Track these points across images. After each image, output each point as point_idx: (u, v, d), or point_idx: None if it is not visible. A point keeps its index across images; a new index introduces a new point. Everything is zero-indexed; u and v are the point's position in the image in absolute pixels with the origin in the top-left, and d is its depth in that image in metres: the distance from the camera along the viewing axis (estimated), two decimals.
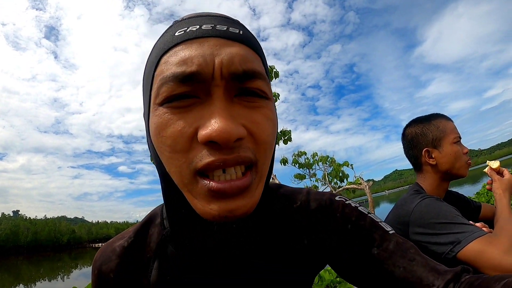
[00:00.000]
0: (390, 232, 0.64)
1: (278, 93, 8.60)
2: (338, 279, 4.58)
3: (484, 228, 1.33)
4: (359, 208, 0.67)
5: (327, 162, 9.64)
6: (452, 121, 1.63)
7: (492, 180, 1.56)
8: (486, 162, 1.67)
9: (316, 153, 9.73)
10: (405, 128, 1.75)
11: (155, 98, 0.50)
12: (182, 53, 0.48)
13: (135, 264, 0.67)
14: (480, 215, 1.85)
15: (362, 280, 0.63)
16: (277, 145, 8.73)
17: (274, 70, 8.09)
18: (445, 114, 1.65)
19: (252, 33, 0.56)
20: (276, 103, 8.68)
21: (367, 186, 7.81)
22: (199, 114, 0.47)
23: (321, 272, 4.74)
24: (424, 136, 1.62)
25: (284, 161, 9.15)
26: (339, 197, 0.70)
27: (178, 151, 0.48)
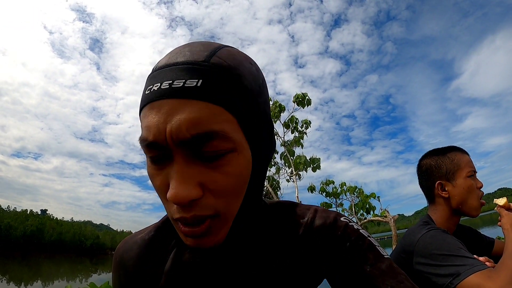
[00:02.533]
0: (385, 256, 0.66)
1: (310, 121, 8.63)
2: None
3: (487, 263, 1.30)
4: (361, 230, 0.70)
5: (354, 193, 9.60)
6: (467, 154, 1.63)
7: (501, 216, 1.54)
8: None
9: (345, 183, 9.66)
10: (420, 160, 1.75)
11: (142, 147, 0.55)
12: (146, 119, 0.52)
13: (154, 256, 0.72)
14: (492, 251, 1.80)
15: None
16: (305, 172, 8.59)
17: (307, 97, 8.17)
18: (461, 147, 1.65)
19: (222, 66, 0.53)
20: (308, 130, 8.66)
21: (392, 220, 7.73)
22: (168, 174, 0.53)
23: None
24: (438, 168, 1.63)
25: (311, 189, 9.08)
26: (344, 218, 0.72)
27: (162, 200, 0.56)
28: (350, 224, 0.71)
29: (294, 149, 8.67)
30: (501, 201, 1.57)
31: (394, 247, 6.46)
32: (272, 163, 8.71)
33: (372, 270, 0.63)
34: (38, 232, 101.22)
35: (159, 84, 0.51)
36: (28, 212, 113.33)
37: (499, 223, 1.55)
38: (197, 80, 0.51)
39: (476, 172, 1.59)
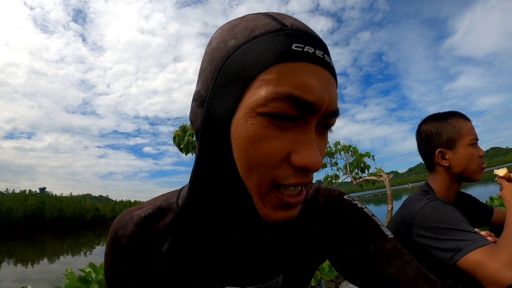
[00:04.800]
0: (389, 236, 0.67)
1: None
2: None
3: (489, 238, 1.28)
4: (364, 209, 0.71)
5: (349, 152, 9.48)
6: (469, 121, 1.57)
7: (501, 187, 1.52)
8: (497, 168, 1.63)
9: (339, 142, 9.55)
10: (420, 125, 1.68)
11: (256, 104, 0.49)
12: (302, 77, 0.49)
13: (149, 235, 0.70)
14: (491, 220, 1.80)
15: (357, 276, 0.66)
16: None
17: None
18: (463, 113, 1.58)
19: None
20: None
21: (387, 179, 7.59)
22: (294, 138, 0.50)
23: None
24: (438, 135, 1.57)
25: None
26: (347, 196, 0.74)
27: (267, 165, 0.51)
28: (354, 202, 0.73)
29: None
30: (502, 171, 1.55)
31: (389, 206, 6.39)
32: None
33: (377, 250, 0.64)
34: (38, 211, 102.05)
35: (313, 49, 0.51)
36: (27, 193, 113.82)
37: (499, 193, 1.55)
38: (330, 57, 0.55)
39: (478, 140, 1.55)
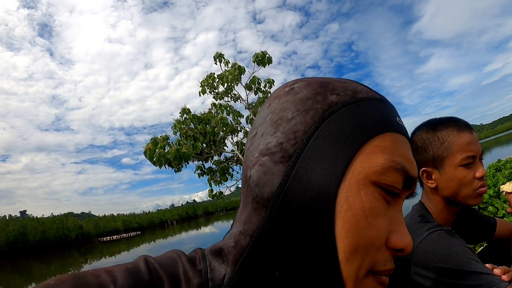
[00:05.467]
0: None
1: (273, 79, 8.38)
2: None
3: (504, 277, 1.04)
4: None
5: None
6: (468, 132, 1.26)
7: (510, 203, 1.39)
8: (500, 186, 1.53)
9: None
10: (412, 132, 1.41)
11: (372, 171, 0.43)
12: (406, 150, 0.48)
13: None
14: (495, 233, 1.56)
15: None
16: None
17: (267, 56, 7.88)
18: (463, 121, 1.30)
19: None
20: (272, 89, 8.37)
21: None
22: (392, 216, 0.46)
23: None
24: (424, 150, 1.32)
25: None
26: None
27: (373, 246, 0.43)
28: None
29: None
30: (509, 187, 1.41)
31: None
32: (239, 128, 8.39)
33: None
34: (21, 235, 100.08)
35: (398, 119, 0.50)
36: (7, 218, 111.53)
37: (508, 209, 1.41)
38: None
39: (477, 156, 1.25)
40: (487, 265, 1.09)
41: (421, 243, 1.17)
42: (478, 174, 1.23)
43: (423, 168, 1.33)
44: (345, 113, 0.45)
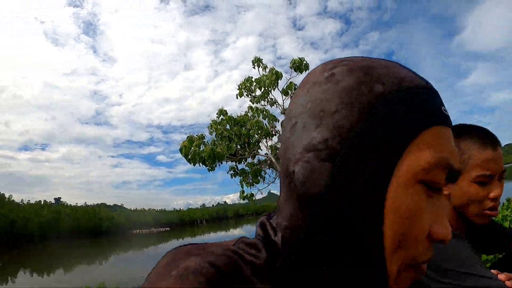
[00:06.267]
0: None
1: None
2: None
3: (507, 282, 1.03)
4: None
5: None
6: (491, 148, 1.16)
7: None
8: None
9: None
10: None
11: (419, 169, 0.43)
12: (451, 144, 0.46)
13: None
14: None
15: None
16: None
17: (304, 62, 7.93)
18: (491, 134, 1.19)
19: None
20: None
21: None
22: (434, 209, 0.45)
23: None
24: None
25: None
26: None
27: (417, 241, 0.43)
28: None
29: None
30: None
31: None
32: (273, 133, 8.48)
33: None
34: (54, 221, 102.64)
35: (443, 108, 0.48)
36: (42, 203, 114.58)
37: None
38: None
39: (496, 175, 1.15)
40: (492, 271, 1.07)
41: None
42: (492, 195, 1.15)
43: None
44: (392, 107, 0.44)
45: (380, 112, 0.43)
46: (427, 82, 0.48)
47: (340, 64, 0.49)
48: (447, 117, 0.47)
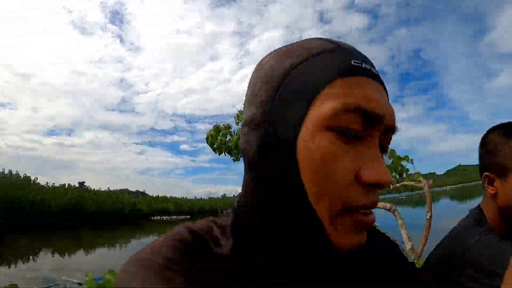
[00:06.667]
0: (410, 260, 0.69)
1: None
2: None
3: None
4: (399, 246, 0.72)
5: (386, 154, 9.08)
6: None
7: None
8: None
9: None
10: (486, 133, 1.26)
11: (324, 117, 0.47)
12: (366, 89, 0.48)
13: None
14: None
15: None
16: None
17: None
18: None
19: None
20: None
21: (426, 185, 7.02)
22: (362, 154, 0.48)
23: None
24: (493, 155, 1.18)
25: None
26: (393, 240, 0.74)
27: (340, 185, 0.46)
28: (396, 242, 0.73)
29: None
30: None
31: (428, 214, 5.91)
32: None
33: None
34: (77, 204, 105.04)
35: (368, 66, 0.51)
36: (66, 186, 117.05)
37: None
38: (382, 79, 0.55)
39: None
40: None
41: (473, 244, 1.09)
42: None
43: (486, 173, 1.20)
44: (297, 73, 0.50)
45: (288, 80, 0.50)
46: (337, 45, 0.52)
47: (269, 53, 0.57)
48: (363, 69, 0.50)
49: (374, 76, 0.51)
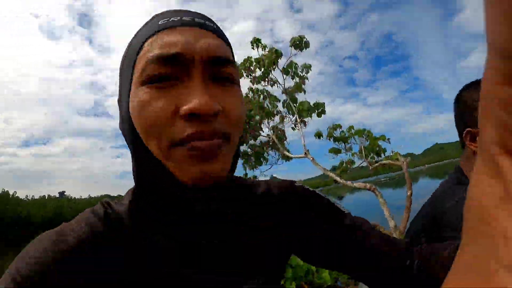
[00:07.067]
0: (346, 212, 0.72)
1: (310, 64, 8.11)
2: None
3: None
4: (317, 191, 0.75)
5: (363, 136, 9.24)
6: None
7: None
8: None
9: (352, 126, 9.27)
10: (460, 91, 1.28)
11: (137, 78, 0.54)
12: (166, 37, 0.53)
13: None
14: None
15: (320, 257, 0.72)
16: (310, 118, 8.14)
17: (304, 39, 7.63)
18: None
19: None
20: (309, 75, 8.15)
21: (404, 163, 7.28)
22: (179, 92, 0.52)
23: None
24: (471, 109, 1.18)
25: (318, 135, 8.64)
26: (298, 183, 0.77)
27: (158, 125, 0.51)
28: (306, 187, 0.76)
29: (296, 95, 8.23)
30: None
31: (408, 192, 6.10)
32: (275, 113, 8.29)
33: (336, 227, 0.69)
34: (57, 215, 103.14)
35: (179, 17, 0.56)
36: (46, 197, 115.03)
37: None
38: (213, 24, 0.60)
39: None
40: None
41: (452, 206, 1.14)
42: None
43: (468, 129, 1.20)
44: (124, 54, 0.61)
45: (130, 47, 0.59)
46: (155, 15, 0.60)
47: None
48: (167, 23, 0.55)
49: (186, 23, 0.55)
